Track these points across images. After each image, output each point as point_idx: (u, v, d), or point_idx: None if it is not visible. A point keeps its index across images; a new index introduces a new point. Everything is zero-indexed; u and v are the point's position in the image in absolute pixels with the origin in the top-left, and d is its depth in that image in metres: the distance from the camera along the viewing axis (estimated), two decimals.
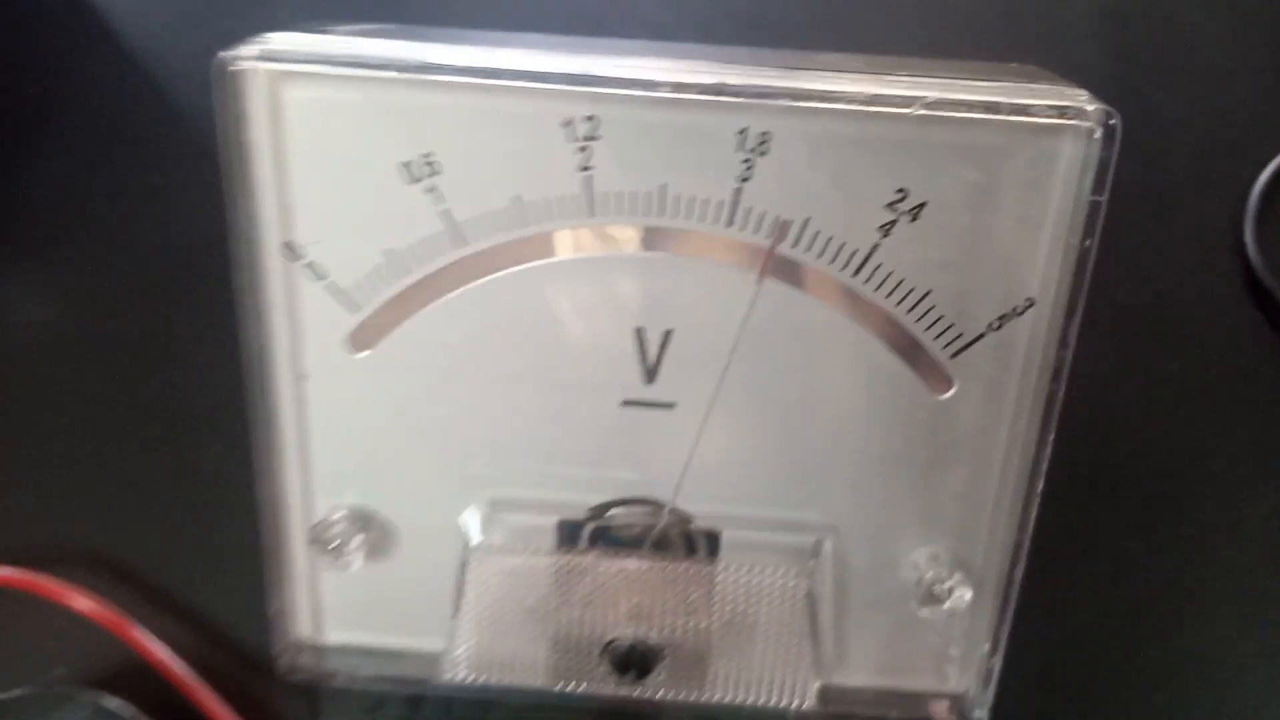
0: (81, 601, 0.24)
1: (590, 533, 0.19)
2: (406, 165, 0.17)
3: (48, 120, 0.28)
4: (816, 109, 0.16)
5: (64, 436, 0.27)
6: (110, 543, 0.26)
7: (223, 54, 0.16)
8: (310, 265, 0.18)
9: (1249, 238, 0.29)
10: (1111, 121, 0.16)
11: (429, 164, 0.17)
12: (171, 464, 0.26)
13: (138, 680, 0.24)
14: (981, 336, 0.17)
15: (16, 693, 0.24)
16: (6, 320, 0.27)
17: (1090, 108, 0.16)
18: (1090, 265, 0.16)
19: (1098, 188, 0.16)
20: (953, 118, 0.16)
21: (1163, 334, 0.28)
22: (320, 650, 0.20)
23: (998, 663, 0.19)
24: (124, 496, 0.26)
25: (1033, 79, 0.17)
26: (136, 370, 0.27)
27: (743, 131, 0.16)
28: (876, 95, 0.16)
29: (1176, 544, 0.26)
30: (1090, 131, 0.16)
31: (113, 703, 0.23)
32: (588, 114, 0.16)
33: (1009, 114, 0.16)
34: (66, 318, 0.27)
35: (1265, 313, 0.29)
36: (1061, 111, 0.16)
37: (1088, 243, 0.16)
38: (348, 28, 0.18)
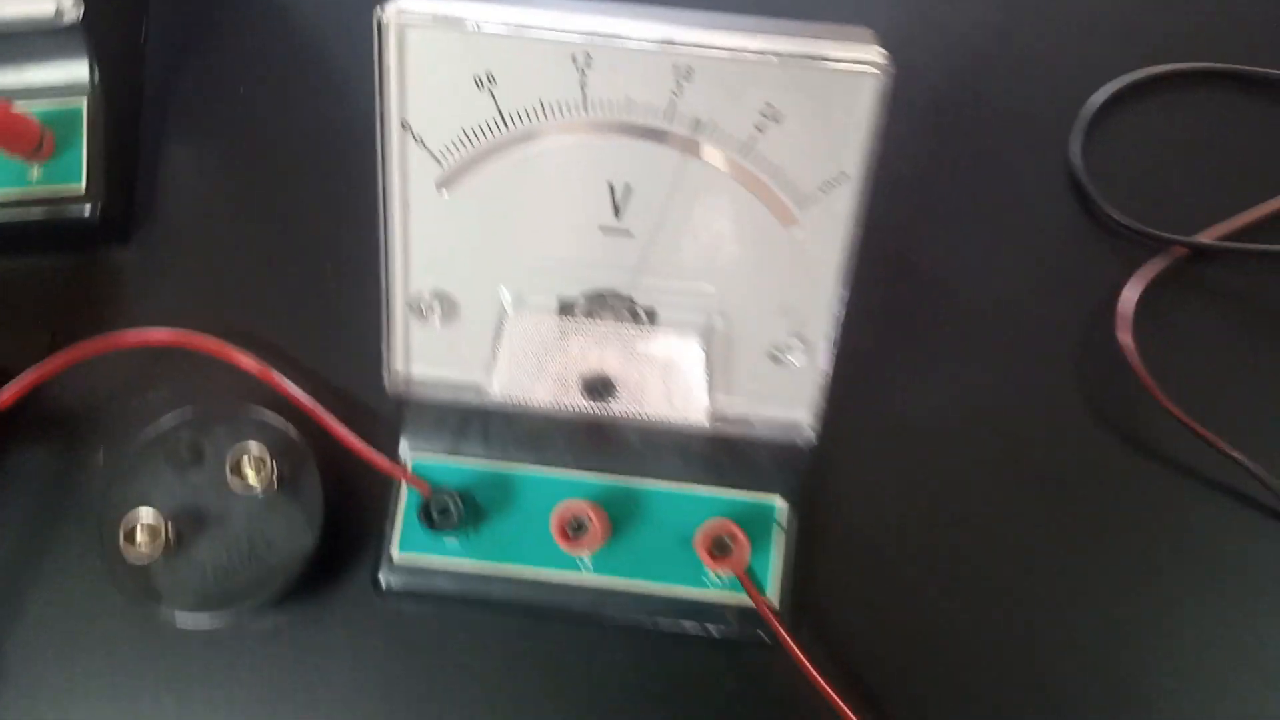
0: (238, 356, 0.36)
1: (579, 308, 0.31)
2: (476, 78, 0.28)
3: (229, 39, 0.40)
4: (721, 55, 0.27)
5: (230, 253, 0.39)
6: (259, 322, 0.38)
7: (376, 11, 0.27)
8: (415, 135, 0.29)
9: (1076, 147, 0.40)
10: (890, 69, 0.27)
11: (491, 78, 0.28)
12: (301, 269, 0.39)
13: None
14: (815, 194, 0.29)
15: (180, 415, 0.35)
16: (195, 174, 0.39)
17: (878, 60, 0.27)
18: (876, 155, 0.28)
19: (881, 108, 0.27)
20: (800, 64, 0.27)
21: (1000, 217, 0.40)
22: (410, 379, 0.33)
23: (823, 400, 0.31)
24: (267, 291, 0.38)
25: (860, 39, 0.28)
26: (281, 206, 0.39)
27: (676, 66, 0.27)
28: (758, 50, 0.27)
29: (994, 349, 0.38)
30: (877, 75, 0.27)
31: (268, 415, 0.35)
32: (585, 53, 0.27)
33: (832, 63, 0.27)
34: (234, 170, 0.39)
35: (1081, 202, 0.40)
36: (860, 63, 0.27)
37: (877, 141, 0.27)
38: None
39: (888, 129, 0.28)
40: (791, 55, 0.26)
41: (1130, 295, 0.37)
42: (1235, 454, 0.35)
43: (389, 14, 0.27)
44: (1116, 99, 0.41)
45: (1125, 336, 0.37)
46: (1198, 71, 0.41)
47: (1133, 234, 0.39)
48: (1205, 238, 0.38)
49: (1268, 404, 0.37)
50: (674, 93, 0.27)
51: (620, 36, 0.27)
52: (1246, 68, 0.41)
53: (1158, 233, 0.38)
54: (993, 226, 0.39)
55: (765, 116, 0.28)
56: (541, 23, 0.27)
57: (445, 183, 0.30)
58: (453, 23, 0.27)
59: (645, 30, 0.27)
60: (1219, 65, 0.41)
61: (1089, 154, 0.40)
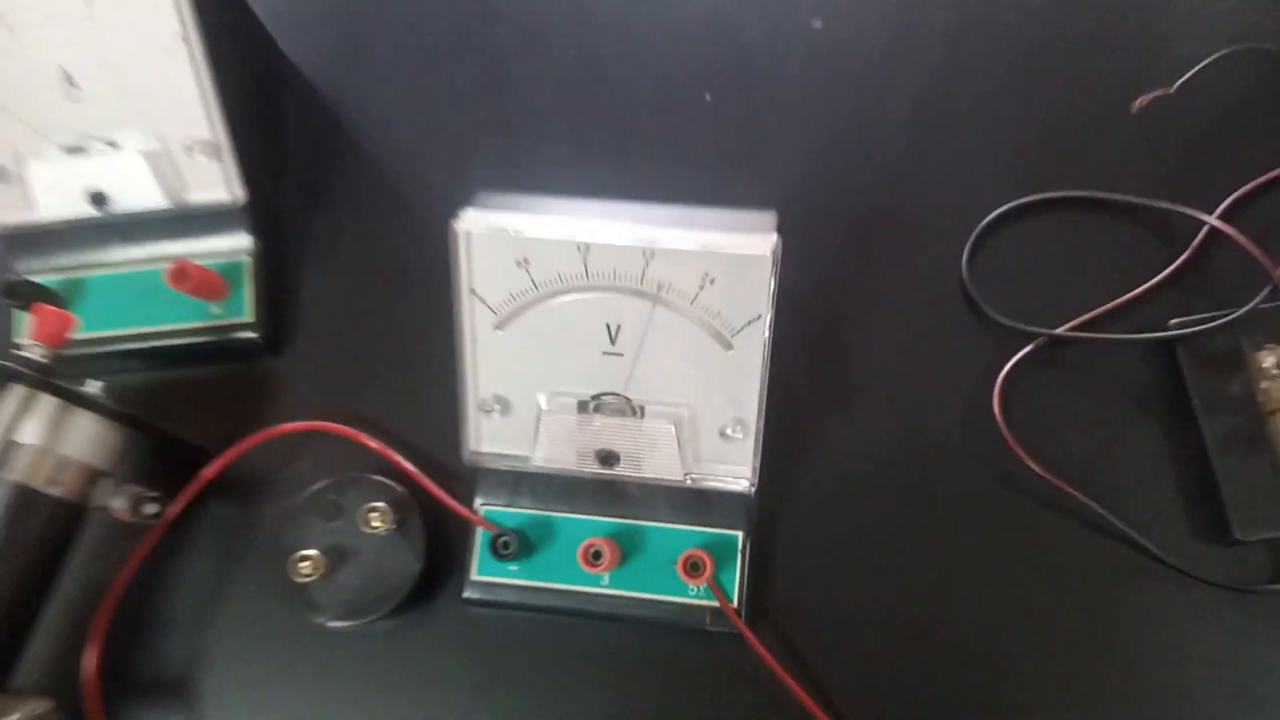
0: (363, 438, 0.51)
1: (592, 406, 0.46)
2: (517, 261, 0.43)
3: (342, 200, 0.56)
4: (674, 247, 0.42)
5: (355, 362, 0.54)
6: (378, 412, 0.53)
7: (451, 221, 0.42)
8: (479, 296, 0.44)
9: (964, 262, 0.54)
10: (778, 250, 0.41)
11: (527, 261, 0.43)
12: (406, 375, 0.54)
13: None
14: (742, 329, 0.43)
15: (325, 481, 0.51)
16: (325, 303, 0.55)
17: (771, 248, 0.41)
18: (775, 299, 0.42)
19: (774, 271, 0.41)
20: (719, 254, 0.42)
21: (906, 315, 0.53)
22: (480, 453, 0.48)
23: (758, 464, 0.45)
24: (383, 390, 0.53)
25: (764, 226, 0.42)
26: (389, 328, 0.54)
27: (644, 251, 0.42)
28: (693, 245, 0.42)
29: (898, 416, 0.52)
30: (770, 257, 0.41)
31: (386, 480, 0.50)
32: (585, 245, 0.42)
33: (740, 252, 0.41)
34: (353, 300, 0.55)
35: (970, 307, 0.54)
36: (758, 251, 0.41)
37: (774, 287, 0.41)
38: (499, 198, 0.44)
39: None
40: (714, 250, 0.41)
41: (1001, 374, 0.51)
42: (1078, 493, 0.48)
43: (461, 224, 0.42)
44: (995, 223, 0.54)
45: (997, 405, 0.50)
46: (1057, 199, 0.54)
47: (1005, 327, 0.52)
48: (1060, 329, 0.52)
49: (1105, 458, 0.50)
50: (644, 267, 0.42)
51: (607, 236, 0.42)
52: (1095, 194, 0.54)
53: (1024, 326, 0.52)
54: (900, 321, 0.53)
55: (704, 280, 0.42)
56: (557, 230, 0.42)
57: (500, 325, 0.45)
58: (501, 230, 0.42)
59: (623, 231, 0.42)
60: (1073, 193, 0.54)
61: (974, 266, 0.54)
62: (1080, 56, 0.57)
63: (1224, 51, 0.55)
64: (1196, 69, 0.55)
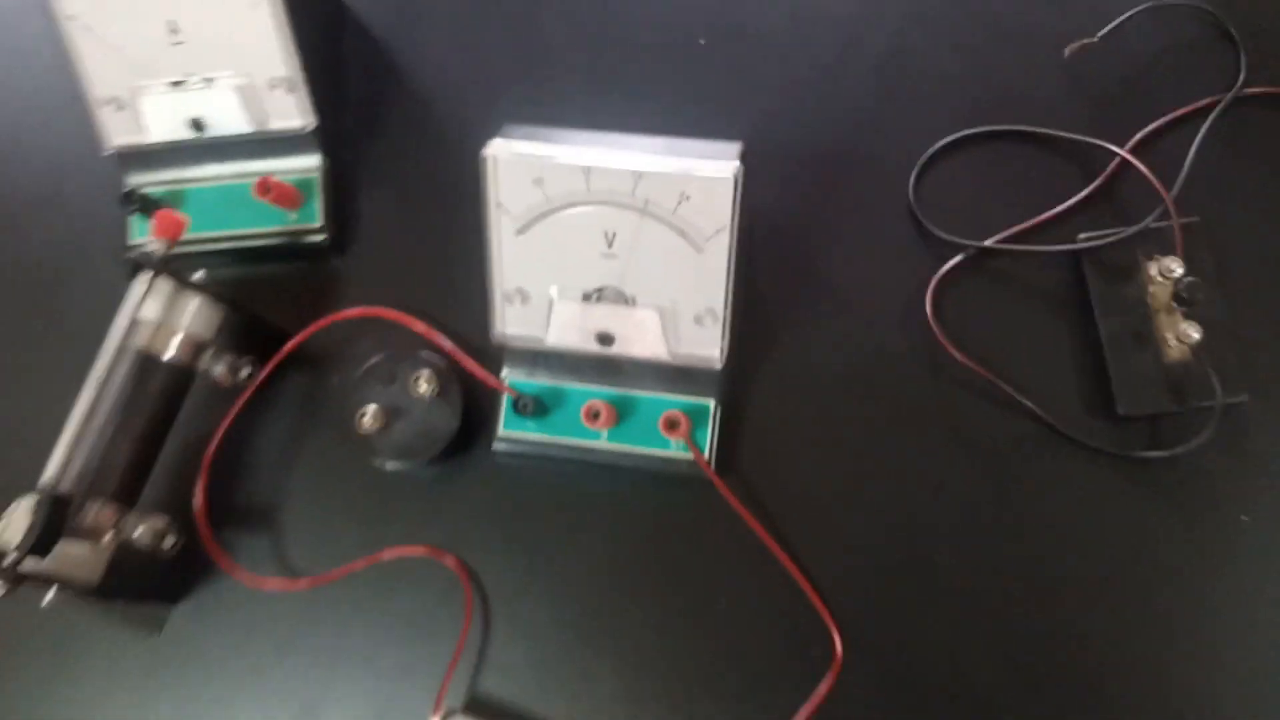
0: (412, 321, 0.63)
1: (592, 296, 0.57)
2: (533, 180, 0.54)
3: (394, 126, 0.67)
4: (654, 172, 0.53)
5: (415, 261, 0.66)
6: (424, 301, 0.65)
7: (481, 151, 0.54)
8: (504, 208, 0.56)
9: (910, 186, 0.64)
10: (739, 174, 0.52)
11: (542, 180, 0.54)
12: (446, 270, 0.65)
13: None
14: (712, 236, 0.54)
15: (381, 355, 0.63)
16: (381, 212, 0.67)
17: (734, 172, 0.52)
18: (739, 213, 0.53)
19: (737, 190, 0.52)
20: (692, 176, 0.52)
21: (859, 231, 0.64)
22: (505, 335, 0.60)
23: (727, 344, 0.57)
24: (428, 283, 0.65)
25: (730, 155, 0.53)
26: (433, 233, 0.66)
27: (634, 174, 0.53)
28: (671, 169, 0.52)
29: (848, 314, 0.63)
30: (732, 179, 0.52)
31: (431, 355, 0.62)
32: (587, 169, 0.53)
33: (708, 175, 0.52)
34: (404, 209, 0.66)
35: (915, 224, 0.64)
36: (722, 174, 0.52)
37: (737, 203, 0.52)
38: (520, 129, 0.55)
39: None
40: (688, 173, 0.52)
41: (934, 279, 0.61)
42: (1000, 382, 0.59)
43: (490, 151, 0.54)
44: (938, 153, 0.64)
45: (929, 305, 0.61)
46: (990, 133, 0.64)
47: (943, 241, 0.63)
48: (988, 243, 0.62)
49: (1018, 349, 0.61)
50: (633, 187, 0.53)
51: (606, 163, 0.53)
52: (1025, 128, 0.64)
53: (958, 240, 0.62)
54: (854, 236, 0.63)
55: (680, 197, 0.53)
56: (565, 157, 0.53)
57: (520, 231, 0.56)
58: (521, 156, 0.53)
59: (617, 158, 0.53)
60: (1003, 127, 0.64)
61: (919, 190, 0.64)
62: (1018, 10, 0.66)
63: (1143, 6, 0.64)
64: (1119, 21, 0.64)
